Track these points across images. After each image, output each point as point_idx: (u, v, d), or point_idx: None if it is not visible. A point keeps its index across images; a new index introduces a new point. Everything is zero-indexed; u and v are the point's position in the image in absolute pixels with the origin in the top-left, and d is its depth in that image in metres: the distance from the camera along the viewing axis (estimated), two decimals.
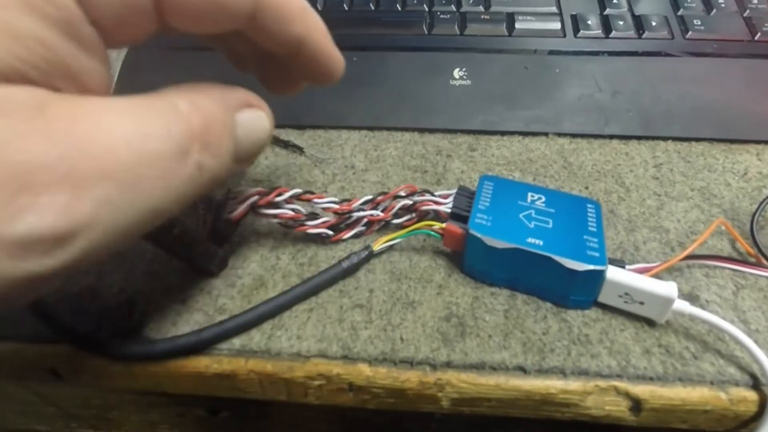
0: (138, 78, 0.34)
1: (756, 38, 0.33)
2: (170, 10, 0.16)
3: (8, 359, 0.20)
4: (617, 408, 0.19)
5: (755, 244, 0.23)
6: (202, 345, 0.19)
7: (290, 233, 0.23)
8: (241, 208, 0.21)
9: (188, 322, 0.20)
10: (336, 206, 0.23)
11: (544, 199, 0.22)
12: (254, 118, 0.17)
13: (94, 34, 0.14)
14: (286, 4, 0.18)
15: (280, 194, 0.22)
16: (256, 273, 0.22)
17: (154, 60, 0.34)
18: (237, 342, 0.20)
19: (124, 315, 0.20)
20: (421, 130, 0.31)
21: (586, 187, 0.27)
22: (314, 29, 0.19)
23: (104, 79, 0.15)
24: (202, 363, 0.19)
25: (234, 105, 0.17)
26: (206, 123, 0.15)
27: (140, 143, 0.13)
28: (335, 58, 0.21)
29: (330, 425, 0.27)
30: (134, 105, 0.14)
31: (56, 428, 0.28)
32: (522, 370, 0.19)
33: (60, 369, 0.20)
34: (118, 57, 0.34)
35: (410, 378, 0.19)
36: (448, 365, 0.19)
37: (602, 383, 0.19)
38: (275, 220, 0.22)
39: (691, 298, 0.21)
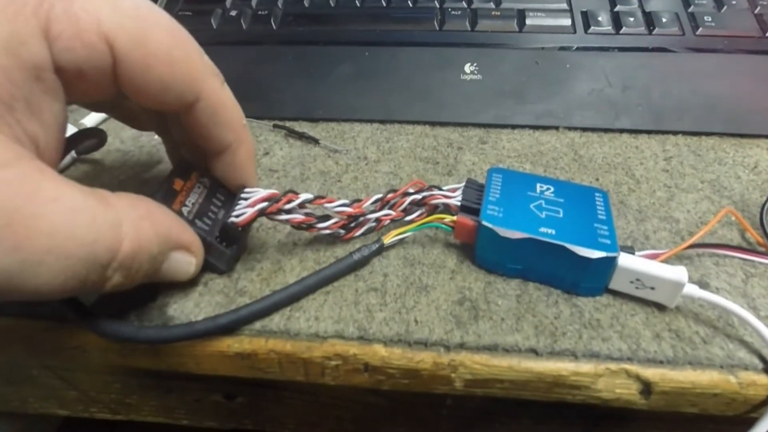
0: None
1: (767, 35, 0.33)
2: (123, 78, 0.18)
3: (36, 338, 0.21)
4: (628, 391, 0.19)
5: (765, 234, 0.23)
6: (218, 331, 0.20)
7: None
8: (248, 214, 0.21)
9: (210, 304, 0.21)
10: (348, 209, 0.22)
11: (552, 189, 0.23)
12: (184, 262, 0.20)
13: (57, 81, 0.17)
14: (226, 109, 0.20)
15: (290, 201, 0.21)
16: (275, 257, 0.23)
17: None
18: (258, 323, 0.20)
19: (147, 297, 0.21)
20: (433, 124, 0.31)
21: (597, 179, 0.27)
22: (245, 144, 0.22)
23: (60, 121, 0.17)
24: (224, 342, 0.20)
25: (175, 243, 0.19)
26: (136, 253, 0.17)
27: (63, 240, 0.15)
28: (250, 175, 0.23)
29: (342, 411, 0.27)
30: (84, 203, 0.16)
31: (76, 412, 0.28)
32: (534, 352, 0.19)
33: (87, 348, 0.21)
34: None
35: (424, 359, 0.19)
36: (462, 347, 0.20)
37: (613, 366, 0.19)
38: (287, 225, 0.22)
39: (701, 285, 0.22)
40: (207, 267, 0.22)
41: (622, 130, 0.30)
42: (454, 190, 0.23)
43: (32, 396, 0.27)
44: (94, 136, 0.27)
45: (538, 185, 0.23)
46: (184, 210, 0.21)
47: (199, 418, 0.28)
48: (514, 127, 0.31)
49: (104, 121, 0.32)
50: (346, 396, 0.26)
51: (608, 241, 0.20)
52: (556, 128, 0.31)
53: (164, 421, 0.28)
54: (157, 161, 0.28)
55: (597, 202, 0.22)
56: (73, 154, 0.27)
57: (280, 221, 0.22)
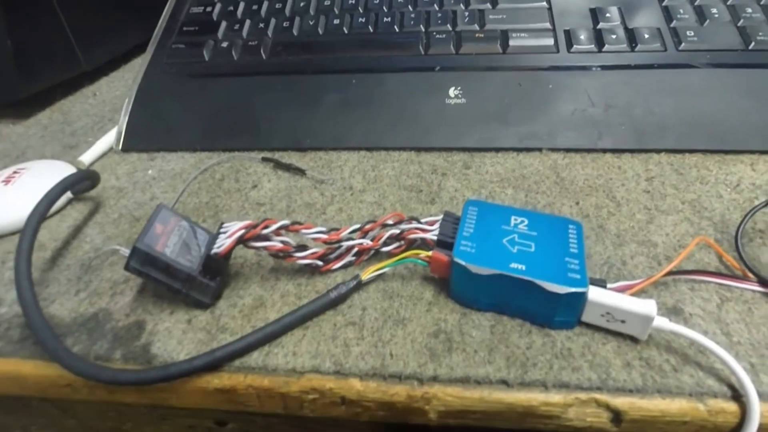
0: (153, 103, 0.36)
1: (750, 48, 0.33)
2: None
3: (31, 376, 0.22)
4: (598, 419, 0.20)
5: (740, 257, 0.23)
6: (194, 372, 0.20)
7: None
8: (228, 243, 0.22)
9: (192, 341, 0.22)
10: (324, 236, 0.23)
11: (527, 222, 0.23)
12: None
13: None
14: None
15: (267, 227, 0.22)
16: (257, 293, 0.23)
17: (169, 86, 0.36)
18: (237, 359, 0.21)
19: (133, 335, 0.22)
20: (418, 149, 0.32)
21: (577, 203, 0.27)
22: None
23: None
24: (204, 378, 0.21)
25: None
26: None
27: None
28: None
29: None
30: None
31: None
32: (505, 383, 0.20)
33: (76, 385, 0.22)
34: (134, 81, 0.36)
35: (399, 392, 0.20)
36: (435, 379, 0.20)
37: (582, 395, 0.19)
38: (264, 252, 0.23)
39: (675, 311, 0.22)
40: (192, 303, 0.23)
41: (605, 150, 0.31)
42: (432, 224, 0.24)
43: (33, 424, 0.29)
44: (88, 178, 0.28)
45: (512, 218, 0.23)
46: (167, 251, 0.22)
47: None
48: (498, 150, 0.31)
49: (100, 158, 0.33)
50: (331, 422, 0.26)
51: (578, 276, 0.20)
52: (540, 150, 0.31)
53: None
54: (150, 198, 0.29)
55: (570, 235, 0.22)
56: (69, 194, 0.28)
57: (258, 248, 0.22)
